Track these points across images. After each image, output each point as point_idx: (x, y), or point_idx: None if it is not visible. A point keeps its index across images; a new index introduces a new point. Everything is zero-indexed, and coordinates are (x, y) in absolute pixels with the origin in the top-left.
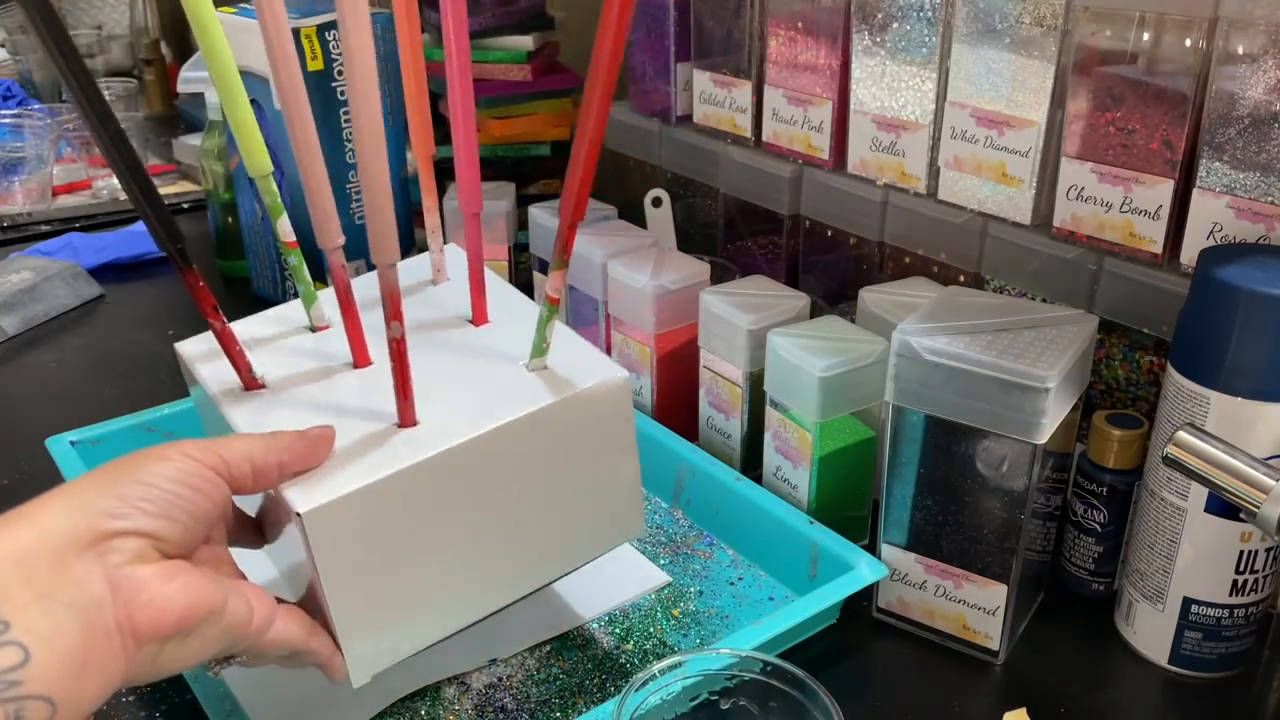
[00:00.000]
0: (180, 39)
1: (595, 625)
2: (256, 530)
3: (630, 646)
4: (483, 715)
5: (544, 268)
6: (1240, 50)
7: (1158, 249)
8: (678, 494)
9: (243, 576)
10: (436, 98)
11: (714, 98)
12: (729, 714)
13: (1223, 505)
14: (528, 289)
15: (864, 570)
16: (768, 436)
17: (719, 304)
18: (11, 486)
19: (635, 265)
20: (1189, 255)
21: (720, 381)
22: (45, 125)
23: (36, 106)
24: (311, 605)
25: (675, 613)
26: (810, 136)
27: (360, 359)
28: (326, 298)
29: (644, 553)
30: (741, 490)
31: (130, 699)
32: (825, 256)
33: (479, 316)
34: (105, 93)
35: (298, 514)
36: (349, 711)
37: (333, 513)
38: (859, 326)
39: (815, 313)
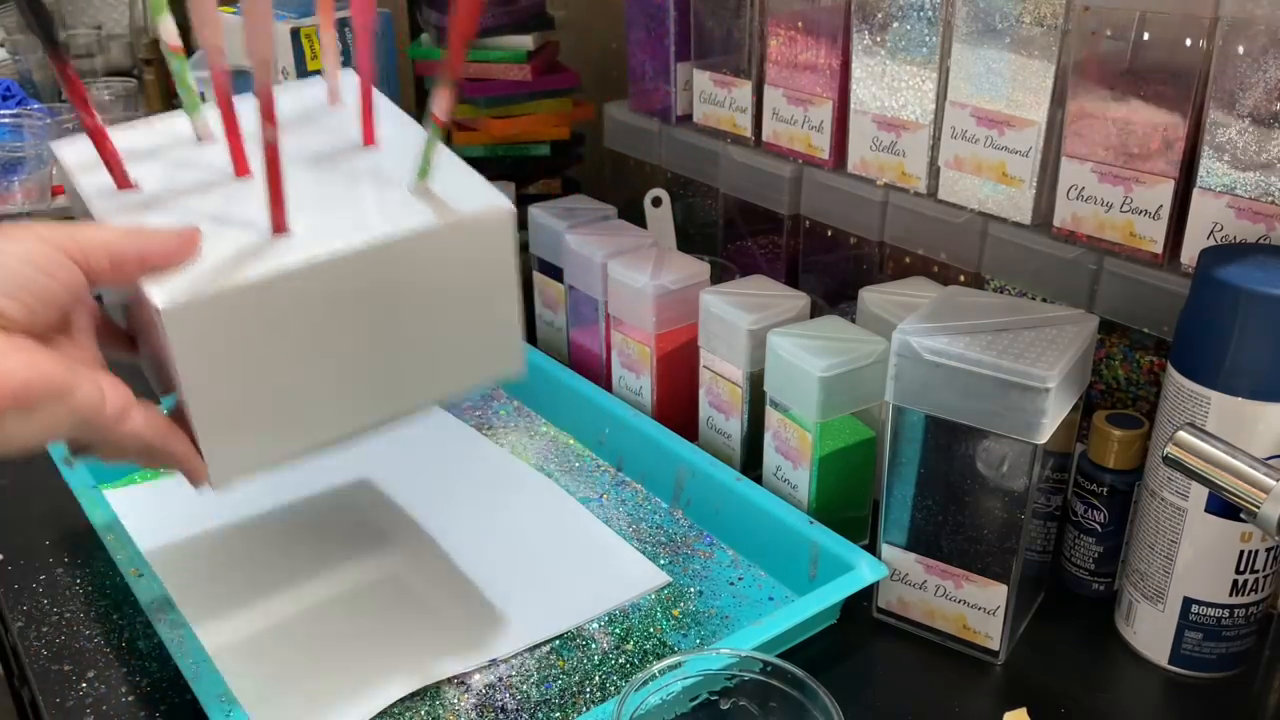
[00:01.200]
0: (181, 38)
1: (595, 625)
2: (129, 340)
3: (630, 646)
4: (483, 715)
5: (544, 267)
6: (1240, 50)
7: (1158, 249)
8: (678, 494)
9: (106, 370)
10: None
11: (714, 97)
12: (729, 714)
13: (1223, 505)
14: (527, 289)
15: (864, 570)
16: (768, 436)
17: (719, 304)
18: (11, 487)
19: (635, 265)
20: (1189, 255)
21: (720, 381)
22: (45, 125)
23: (36, 106)
24: (179, 412)
25: (675, 613)
26: (810, 136)
27: (240, 168)
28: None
29: (644, 553)
30: (741, 490)
31: (130, 699)
32: (825, 256)
33: (368, 136)
34: (105, 92)
35: (157, 309)
36: (349, 711)
37: (195, 311)
38: (859, 326)
39: (815, 313)
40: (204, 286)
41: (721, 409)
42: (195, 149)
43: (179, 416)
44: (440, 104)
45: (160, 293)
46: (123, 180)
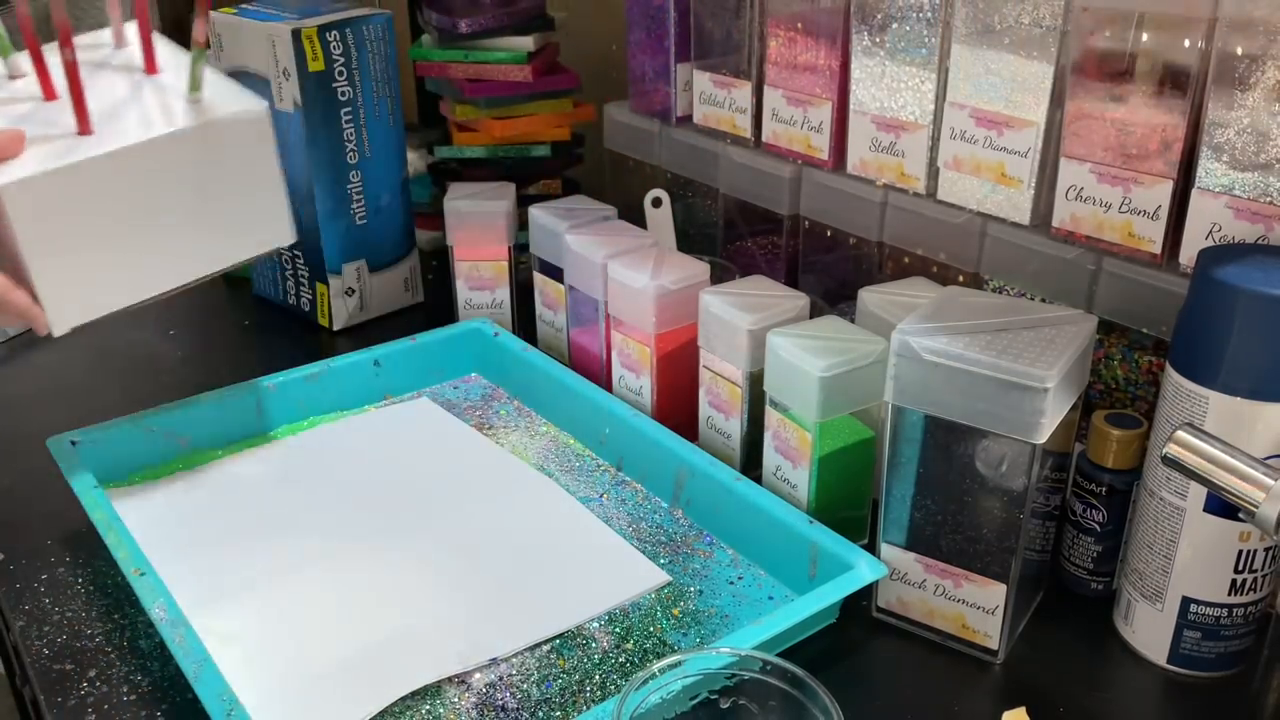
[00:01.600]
0: (182, 38)
1: (595, 624)
2: None
3: (630, 646)
4: (484, 715)
5: (544, 267)
6: (1239, 50)
7: (1157, 249)
8: (677, 494)
9: None
10: (436, 98)
11: (714, 98)
12: (729, 713)
13: (1221, 505)
14: (527, 288)
15: (863, 570)
16: (767, 436)
17: (719, 304)
18: (13, 486)
19: (635, 265)
20: (1188, 255)
21: (720, 381)
22: None
23: None
24: (18, 275)
25: (675, 612)
26: (810, 137)
27: (48, 94)
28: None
29: (644, 552)
30: (741, 490)
31: (131, 698)
32: (825, 256)
33: (150, 67)
34: None
35: None
36: (351, 709)
37: (26, 189)
38: (858, 326)
39: (815, 313)
40: (30, 170)
41: (721, 409)
42: (10, 85)
43: (18, 279)
44: (198, 29)
45: None
46: None
